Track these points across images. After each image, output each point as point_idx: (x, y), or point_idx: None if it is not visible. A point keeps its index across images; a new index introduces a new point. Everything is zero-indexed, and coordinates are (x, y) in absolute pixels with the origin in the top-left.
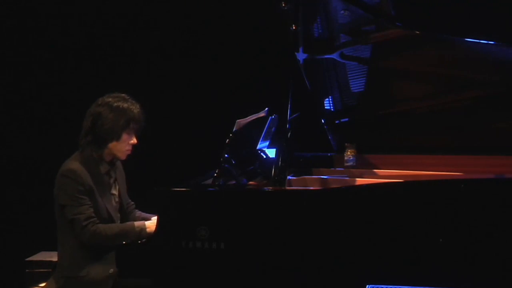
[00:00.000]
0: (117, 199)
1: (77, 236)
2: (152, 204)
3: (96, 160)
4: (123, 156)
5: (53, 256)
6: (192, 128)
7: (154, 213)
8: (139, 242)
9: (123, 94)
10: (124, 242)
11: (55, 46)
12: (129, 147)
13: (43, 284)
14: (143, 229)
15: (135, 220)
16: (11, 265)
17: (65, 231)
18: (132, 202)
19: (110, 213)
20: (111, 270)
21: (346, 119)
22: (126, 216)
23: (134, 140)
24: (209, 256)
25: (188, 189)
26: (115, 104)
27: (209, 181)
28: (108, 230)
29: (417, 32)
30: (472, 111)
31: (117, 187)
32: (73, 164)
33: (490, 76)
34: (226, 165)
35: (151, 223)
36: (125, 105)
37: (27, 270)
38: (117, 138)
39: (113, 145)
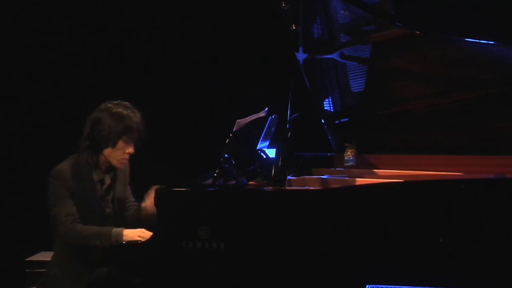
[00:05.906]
0: (111, 206)
1: (58, 232)
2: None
3: (90, 166)
4: (118, 164)
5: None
6: (192, 128)
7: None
8: (117, 244)
9: (126, 102)
10: (98, 243)
11: (56, 47)
12: (126, 156)
13: None
14: (119, 234)
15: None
16: (11, 265)
17: (54, 232)
18: (133, 199)
19: (91, 220)
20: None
21: (346, 119)
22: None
23: (131, 150)
24: (209, 256)
25: (188, 189)
26: (114, 110)
27: (209, 181)
28: (85, 230)
29: (417, 32)
30: (472, 111)
31: (111, 194)
32: (62, 166)
33: (490, 76)
34: (226, 165)
35: (130, 231)
36: (125, 112)
37: (27, 270)
38: (113, 145)
39: (108, 152)
